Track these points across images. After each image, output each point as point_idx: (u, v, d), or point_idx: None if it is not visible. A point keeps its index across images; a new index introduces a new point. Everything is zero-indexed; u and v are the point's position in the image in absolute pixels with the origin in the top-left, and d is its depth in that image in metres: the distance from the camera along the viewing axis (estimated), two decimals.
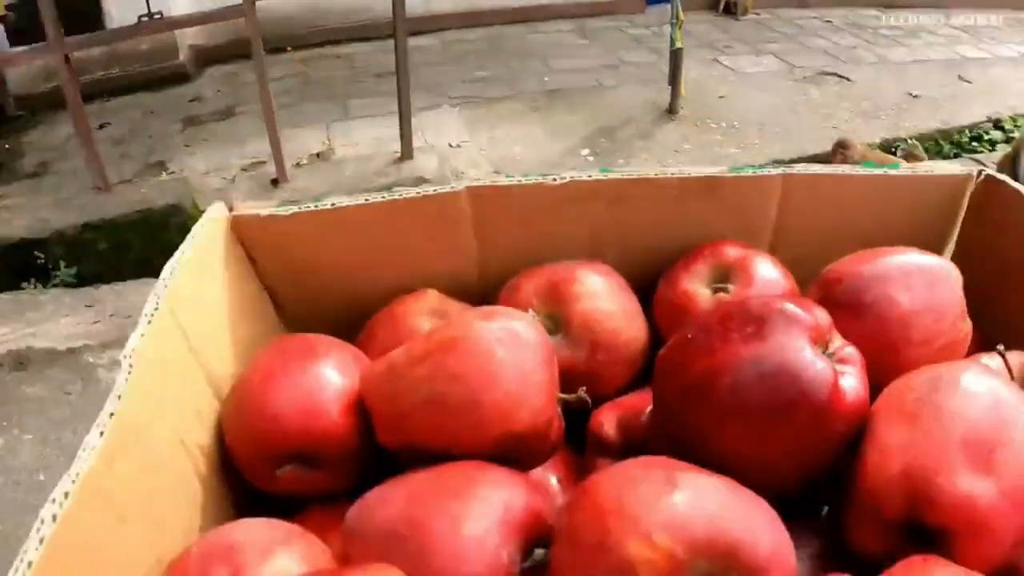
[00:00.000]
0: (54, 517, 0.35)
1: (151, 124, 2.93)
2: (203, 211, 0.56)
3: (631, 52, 3.62)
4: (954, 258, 0.64)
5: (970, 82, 3.28)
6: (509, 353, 0.43)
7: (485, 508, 0.39)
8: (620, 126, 2.91)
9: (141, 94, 3.15)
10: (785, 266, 0.58)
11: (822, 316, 0.44)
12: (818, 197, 0.60)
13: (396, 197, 0.57)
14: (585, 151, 2.75)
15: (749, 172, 0.57)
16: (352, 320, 0.59)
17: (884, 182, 0.60)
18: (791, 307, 0.43)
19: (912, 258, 0.52)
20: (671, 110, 2.96)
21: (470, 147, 2.73)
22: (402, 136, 2.54)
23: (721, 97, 3.13)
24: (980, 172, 0.61)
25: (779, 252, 0.60)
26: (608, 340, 0.52)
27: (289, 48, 3.34)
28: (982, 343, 0.54)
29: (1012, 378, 0.50)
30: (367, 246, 0.59)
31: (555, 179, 0.55)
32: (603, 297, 0.53)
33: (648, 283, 0.59)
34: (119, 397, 0.41)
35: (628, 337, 0.53)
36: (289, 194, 2.40)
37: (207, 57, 3.41)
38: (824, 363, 0.42)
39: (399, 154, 2.58)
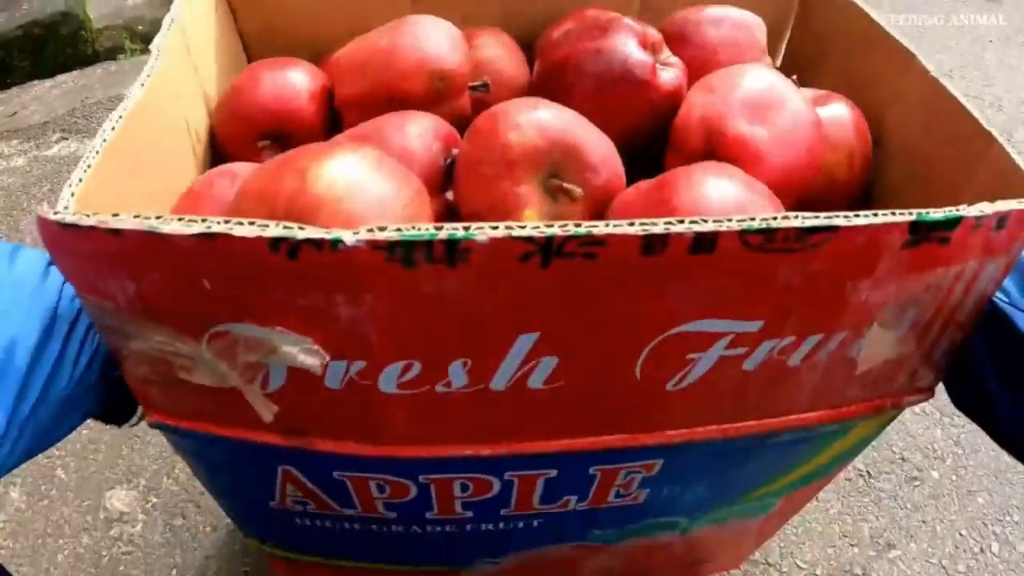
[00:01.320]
0: (96, 152, 0.42)
1: None
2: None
3: None
4: (791, 37, 0.81)
5: None
6: (435, 27, 0.61)
7: (421, 121, 0.56)
8: None
9: None
10: None
11: (652, 32, 0.61)
12: None
13: None
14: None
15: None
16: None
17: None
18: (627, 20, 0.60)
19: (726, 9, 0.67)
20: None
21: None
22: None
23: None
24: None
25: None
26: (496, 78, 0.68)
27: None
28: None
29: None
30: (325, 6, 0.74)
31: None
32: (492, 47, 0.70)
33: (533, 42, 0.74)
34: (148, 76, 0.50)
35: (511, 75, 0.69)
36: None
37: None
38: (645, 56, 0.58)
39: None
